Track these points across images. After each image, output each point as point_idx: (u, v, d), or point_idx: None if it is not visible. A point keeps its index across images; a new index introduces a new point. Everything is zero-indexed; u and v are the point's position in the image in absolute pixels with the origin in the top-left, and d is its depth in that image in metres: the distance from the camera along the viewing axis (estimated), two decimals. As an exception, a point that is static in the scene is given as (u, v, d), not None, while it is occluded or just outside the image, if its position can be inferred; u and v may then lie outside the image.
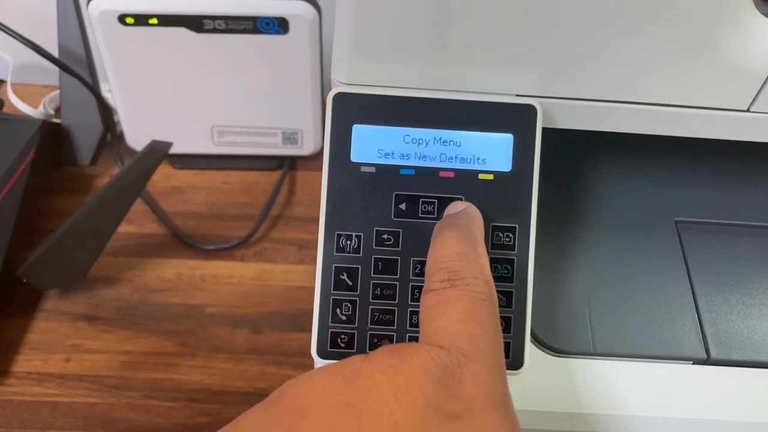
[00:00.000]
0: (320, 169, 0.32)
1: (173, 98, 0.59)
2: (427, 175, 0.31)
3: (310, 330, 0.32)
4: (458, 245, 0.28)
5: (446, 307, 0.26)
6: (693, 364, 0.34)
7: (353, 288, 0.31)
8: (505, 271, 0.31)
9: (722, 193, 0.39)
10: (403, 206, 0.31)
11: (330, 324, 0.31)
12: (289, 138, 0.62)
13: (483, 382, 0.24)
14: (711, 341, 0.34)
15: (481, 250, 0.29)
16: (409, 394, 0.22)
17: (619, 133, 0.34)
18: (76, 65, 0.59)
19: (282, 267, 0.59)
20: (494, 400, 0.23)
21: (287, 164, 0.64)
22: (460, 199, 0.31)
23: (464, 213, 0.30)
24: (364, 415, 0.22)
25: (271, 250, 0.60)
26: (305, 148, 0.63)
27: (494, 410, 0.23)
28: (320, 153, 0.64)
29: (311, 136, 0.62)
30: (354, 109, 0.31)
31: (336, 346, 0.31)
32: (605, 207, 0.38)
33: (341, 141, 0.31)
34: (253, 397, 0.51)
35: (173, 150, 0.56)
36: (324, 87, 0.60)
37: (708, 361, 0.34)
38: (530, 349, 0.32)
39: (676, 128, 0.33)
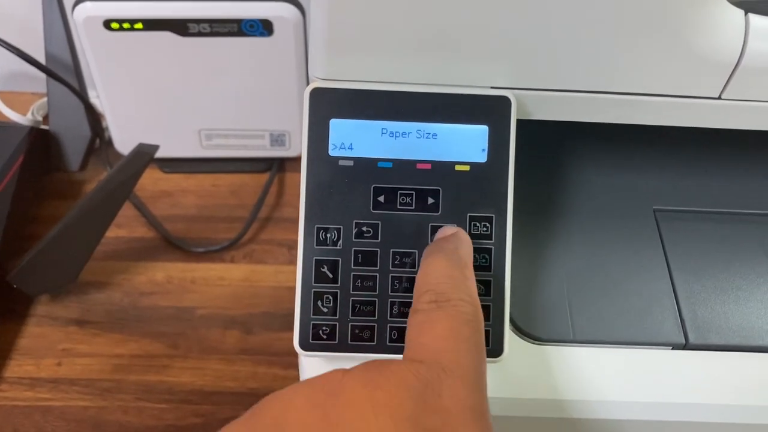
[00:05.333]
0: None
1: (160, 102, 0.59)
2: (405, 167, 0.32)
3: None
4: (446, 268, 0.29)
5: (431, 326, 0.27)
6: (672, 349, 0.34)
7: (334, 280, 0.32)
8: (483, 260, 0.32)
9: (699, 182, 0.39)
10: (381, 198, 0.32)
11: (312, 316, 0.32)
12: (277, 140, 0.63)
13: (462, 396, 0.24)
14: (689, 327, 0.34)
15: (468, 273, 0.29)
16: (388, 408, 0.23)
17: (596, 123, 0.34)
18: (64, 72, 0.59)
19: (272, 268, 0.59)
20: (472, 415, 0.24)
21: (275, 166, 0.65)
22: (437, 191, 0.32)
23: (453, 237, 0.31)
24: (343, 428, 0.22)
25: (260, 251, 0.60)
26: (293, 150, 0.64)
27: (472, 424, 0.23)
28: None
29: (298, 138, 0.63)
30: (331, 104, 0.32)
31: (318, 338, 0.32)
32: (583, 197, 0.38)
33: (319, 135, 0.32)
34: (245, 397, 0.52)
35: (162, 154, 0.56)
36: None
37: (687, 346, 0.34)
38: (510, 337, 0.32)
39: (649, 117, 0.34)
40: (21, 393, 0.51)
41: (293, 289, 0.57)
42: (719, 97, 0.33)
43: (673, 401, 0.33)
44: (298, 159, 0.65)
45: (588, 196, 0.38)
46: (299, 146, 0.64)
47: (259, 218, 0.62)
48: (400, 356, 0.29)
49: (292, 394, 0.24)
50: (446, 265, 0.29)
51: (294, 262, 0.60)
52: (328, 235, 0.32)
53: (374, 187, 0.32)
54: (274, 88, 0.59)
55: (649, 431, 0.33)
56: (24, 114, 0.64)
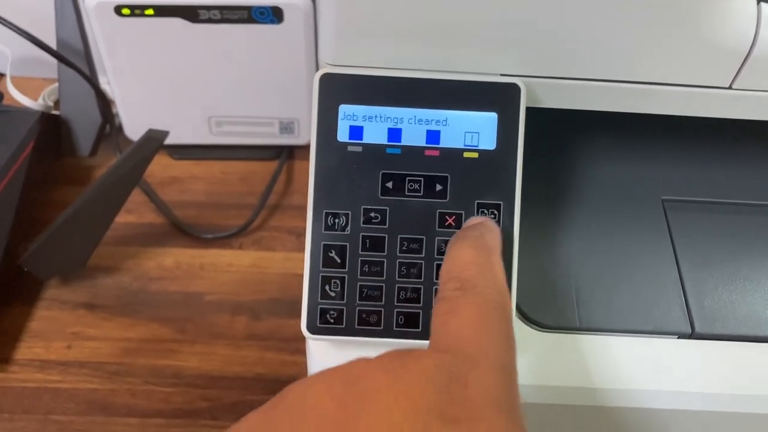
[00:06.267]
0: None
1: (170, 89, 0.59)
2: (413, 153, 0.32)
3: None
4: (471, 255, 0.28)
5: (456, 314, 0.26)
6: (678, 338, 0.34)
7: (342, 265, 0.32)
8: (490, 247, 0.32)
9: (708, 172, 0.39)
10: (389, 185, 0.32)
11: (319, 300, 0.32)
12: (286, 127, 0.63)
13: (489, 386, 0.23)
14: (696, 316, 0.34)
15: (495, 259, 0.29)
16: (409, 399, 0.22)
17: (606, 112, 0.34)
18: (75, 58, 0.59)
19: (280, 255, 0.59)
20: (499, 405, 0.23)
21: (284, 154, 0.65)
22: (446, 178, 0.32)
23: (480, 225, 0.31)
24: (363, 419, 0.22)
25: (269, 238, 0.60)
26: (302, 138, 0.64)
27: (499, 415, 0.22)
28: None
29: (307, 125, 0.63)
30: (340, 90, 0.32)
31: (325, 322, 0.32)
32: (592, 186, 0.38)
33: (328, 121, 0.32)
34: (252, 382, 0.52)
35: (171, 141, 0.57)
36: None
37: (693, 336, 0.34)
38: (516, 324, 0.32)
39: (659, 106, 0.34)
40: (31, 375, 0.52)
41: (301, 276, 0.58)
42: (730, 87, 0.32)
43: (678, 390, 0.33)
44: (307, 147, 0.66)
45: (596, 185, 0.38)
46: (308, 134, 0.64)
47: (267, 205, 0.62)
48: (425, 343, 0.29)
49: (313, 382, 0.23)
50: (472, 252, 0.28)
51: (302, 250, 0.60)
52: (337, 221, 0.32)
53: (383, 173, 0.32)
54: (283, 76, 0.59)
55: (654, 420, 0.34)
56: (35, 99, 0.65)
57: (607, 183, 0.38)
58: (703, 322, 0.34)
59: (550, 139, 0.40)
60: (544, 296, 0.34)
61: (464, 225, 0.31)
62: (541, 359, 0.33)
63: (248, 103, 0.61)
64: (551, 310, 0.34)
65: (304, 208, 0.62)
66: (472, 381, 0.23)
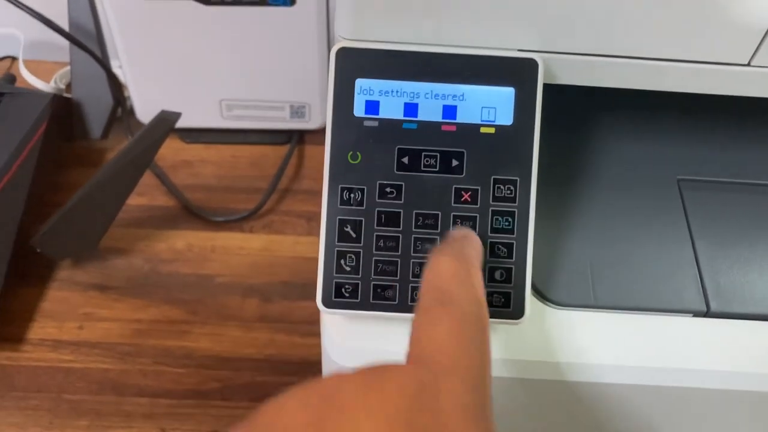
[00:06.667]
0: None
1: (182, 72, 0.59)
2: (430, 129, 0.32)
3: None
4: (451, 267, 0.28)
5: (433, 326, 0.26)
6: (693, 316, 0.34)
7: (357, 240, 0.32)
8: (506, 223, 0.32)
9: (725, 152, 0.39)
10: (405, 160, 0.32)
11: (335, 275, 0.32)
12: (297, 112, 0.63)
13: (460, 396, 0.23)
14: (711, 294, 0.34)
15: (475, 272, 0.29)
16: (381, 412, 0.22)
17: (623, 90, 0.34)
18: (87, 40, 0.59)
19: (290, 239, 0.59)
20: (470, 416, 0.23)
21: (295, 138, 0.65)
22: (462, 153, 0.32)
23: (462, 238, 0.31)
24: None
25: (279, 222, 0.60)
26: (313, 122, 0.64)
27: (467, 424, 0.23)
28: (328, 127, 0.65)
29: (318, 110, 0.63)
30: (357, 64, 0.32)
31: (340, 296, 0.32)
32: (608, 164, 0.38)
33: (344, 96, 0.32)
34: (263, 363, 0.52)
35: (183, 124, 0.57)
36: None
37: (708, 314, 0.34)
38: (531, 301, 0.32)
39: (676, 84, 0.33)
40: (44, 354, 0.52)
41: (312, 259, 0.58)
42: (749, 64, 0.32)
43: (692, 368, 0.33)
44: (317, 131, 0.66)
45: (612, 163, 0.38)
46: (319, 118, 0.64)
47: (278, 189, 0.62)
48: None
49: (287, 398, 0.23)
50: (452, 264, 0.29)
51: (313, 234, 0.60)
52: (352, 195, 0.32)
53: (398, 149, 0.32)
54: (295, 60, 0.59)
55: (669, 398, 0.34)
56: (47, 82, 0.65)
57: (622, 161, 0.38)
58: (718, 300, 0.34)
59: (566, 117, 0.40)
60: (559, 273, 0.34)
61: (447, 238, 0.32)
62: (554, 336, 0.33)
63: (259, 86, 0.61)
64: (566, 287, 0.34)
65: (314, 193, 0.63)
66: (444, 392, 0.23)
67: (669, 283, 0.34)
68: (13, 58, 0.69)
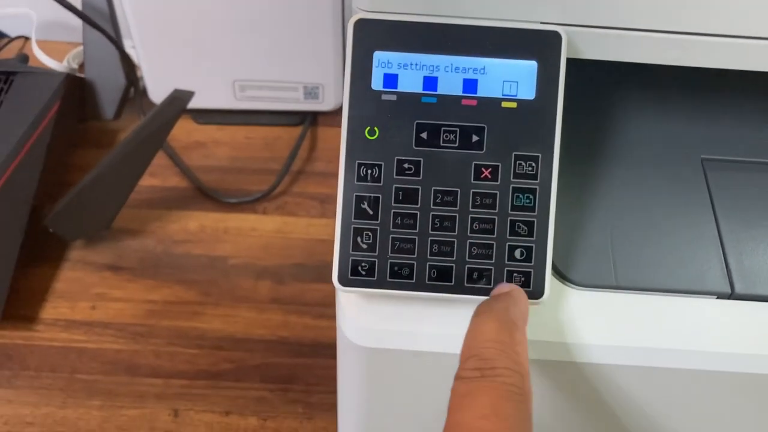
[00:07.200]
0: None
1: (195, 52, 0.59)
2: (449, 103, 0.31)
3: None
4: (494, 331, 0.27)
5: (471, 400, 0.25)
6: (717, 298, 0.33)
7: (374, 217, 0.31)
8: (527, 200, 0.31)
9: (750, 131, 0.38)
10: (424, 135, 0.31)
11: (351, 252, 0.31)
12: (311, 93, 0.62)
13: None
14: (736, 276, 0.33)
15: (519, 337, 0.28)
16: None
17: (647, 68, 0.33)
18: (100, 20, 0.59)
19: (304, 221, 0.59)
20: None
21: (308, 120, 0.64)
22: (482, 128, 0.31)
23: (507, 296, 0.29)
24: None
25: (292, 204, 0.60)
26: (326, 103, 0.63)
27: None
28: (341, 109, 0.64)
29: (332, 91, 0.62)
30: (375, 36, 0.31)
31: (357, 274, 0.31)
32: (631, 142, 0.37)
33: (362, 69, 0.31)
34: (275, 345, 0.52)
35: (196, 105, 0.56)
36: (345, 41, 0.60)
37: (732, 296, 0.33)
38: (551, 281, 0.32)
39: (705, 59, 0.32)
40: (57, 334, 0.52)
41: (325, 242, 0.57)
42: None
43: (715, 351, 0.32)
44: (331, 113, 0.65)
45: (634, 141, 0.37)
46: (333, 100, 0.63)
47: (291, 171, 0.62)
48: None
49: None
50: (495, 327, 0.27)
51: (326, 216, 0.59)
52: (369, 172, 0.31)
53: (417, 123, 0.31)
54: (309, 40, 0.58)
55: (691, 380, 0.33)
56: (60, 62, 0.64)
57: (645, 140, 0.37)
58: (743, 282, 0.33)
59: (588, 93, 0.39)
60: (580, 253, 0.34)
61: (493, 292, 0.30)
62: (575, 317, 0.32)
63: (273, 67, 0.60)
64: (587, 267, 0.33)
65: (327, 175, 0.62)
66: None
67: (692, 264, 0.33)
68: (26, 38, 0.69)
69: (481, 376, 0.26)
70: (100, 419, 0.48)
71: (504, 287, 0.31)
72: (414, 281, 0.31)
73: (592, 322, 0.32)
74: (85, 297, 0.54)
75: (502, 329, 0.27)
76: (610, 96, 0.39)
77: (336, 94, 0.63)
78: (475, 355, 0.27)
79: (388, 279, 0.31)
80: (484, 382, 0.26)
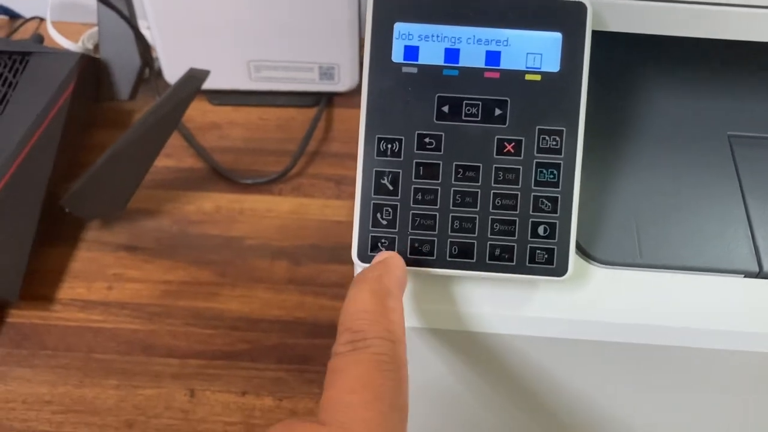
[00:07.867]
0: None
1: (210, 32, 0.58)
2: (471, 76, 0.30)
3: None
4: (366, 302, 0.27)
5: (341, 375, 0.25)
6: (744, 277, 0.33)
7: (394, 192, 0.31)
8: (551, 175, 0.30)
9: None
10: (445, 109, 0.30)
11: (370, 228, 0.31)
12: (326, 73, 0.61)
13: None
14: (764, 254, 0.32)
15: (393, 304, 0.27)
16: None
17: (673, 44, 0.32)
18: (115, 0, 0.58)
19: (319, 202, 0.59)
20: None
21: (324, 101, 0.64)
22: (505, 102, 0.30)
23: (380, 264, 0.29)
24: None
25: (308, 185, 0.60)
26: (342, 84, 0.62)
27: None
28: (357, 90, 0.64)
29: (348, 72, 0.61)
30: (396, 7, 0.30)
31: (377, 250, 0.31)
32: (656, 118, 0.36)
33: (382, 40, 0.30)
34: (292, 325, 0.52)
35: (210, 86, 0.56)
36: (361, 20, 0.59)
37: (760, 275, 0.32)
38: (575, 258, 0.31)
39: (735, 31, 0.31)
40: (73, 314, 0.52)
41: (341, 223, 0.57)
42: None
43: (742, 330, 0.31)
44: (346, 94, 0.64)
45: (660, 117, 0.36)
46: (348, 81, 0.62)
47: (306, 152, 0.61)
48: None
49: None
50: (367, 297, 0.27)
51: (342, 197, 0.59)
52: (389, 146, 0.31)
53: (438, 97, 0.30)
54: (324, 19, 0.58)
55: (716, 361, 0.32)
56: (75, 42, 0.64)
57: (670, 115, 0.36)
58: (771, 260, 0.32)
59: (614, 67, 0.38)
60: (605, 230, 0.33)
61: (373, 260, 0.30)
62: (599, 295, 0.32)
63: (288, 47, 0.60)
64: (611, 244, 0.33)
65: (343, 156, 0.62)
66: None
67: (719, 242, 0.33)
68: (41, 19, 0.69)
69: (353, 350, 0.26)
70: (117, 398, 0.48)
71: (381, 254, 0.30)
72: (435, 258, 0.31)
73: (616, 301, 0.32)
74: (102, 277, 0.54)
75: (373, 298, 0.27)
76: (636, 70, 0.38)
77: (351, 75, 0.62)
78: (348, 329, 0.27)
79: (409, 256, 0.31)
80: (354, 356, 0.26)
